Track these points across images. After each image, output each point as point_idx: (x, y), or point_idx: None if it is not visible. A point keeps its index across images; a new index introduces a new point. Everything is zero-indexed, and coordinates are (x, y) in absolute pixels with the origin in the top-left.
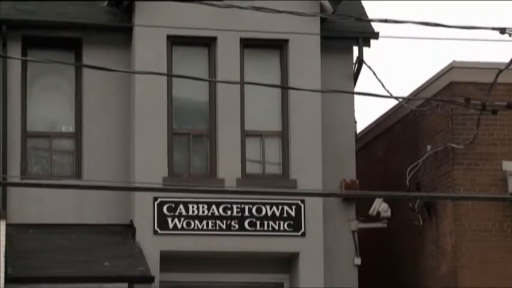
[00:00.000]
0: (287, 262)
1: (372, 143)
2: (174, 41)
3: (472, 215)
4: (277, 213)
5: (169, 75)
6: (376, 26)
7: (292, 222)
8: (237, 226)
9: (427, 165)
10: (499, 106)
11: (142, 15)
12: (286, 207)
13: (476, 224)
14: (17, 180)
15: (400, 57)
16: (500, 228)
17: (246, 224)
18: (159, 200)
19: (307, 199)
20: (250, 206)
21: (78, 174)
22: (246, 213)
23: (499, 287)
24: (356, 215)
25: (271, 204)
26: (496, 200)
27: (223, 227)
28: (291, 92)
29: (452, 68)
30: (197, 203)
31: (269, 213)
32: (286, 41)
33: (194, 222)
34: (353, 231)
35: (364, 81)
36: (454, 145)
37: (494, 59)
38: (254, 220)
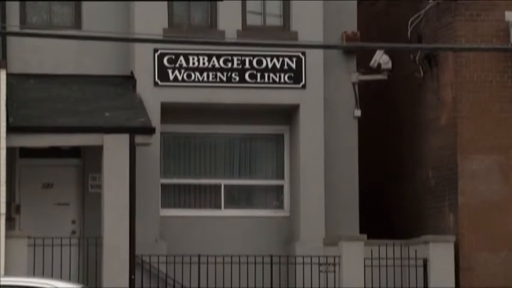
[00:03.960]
0: (287, 114)
1: None
2: None
3: (473, 66)
4: (278, 65)
5: None
6: None
7: (292, 75)
8: (237, 78)
9: (429, 17)
10: None
11: None
12: (286, 59)
13: (477, 75)
14: (17, 29)
15: None
16: (500, 79)
17: (246, 76)
18: (159, 51)
19: (307, 51)
20: (251, 58)
21: (77, 25)
22: (247, 65)
23: (498, 136)
24: (357, 67)
25: (272, 56)
26: (498, 51)
27: (224, 79)
28: None
29: None
30: (197, 54)
31: (270, 65)
32: None
33: (194, 74)
34: (353, 83)
35: None
36: None
37: None
38: (255, 72)
